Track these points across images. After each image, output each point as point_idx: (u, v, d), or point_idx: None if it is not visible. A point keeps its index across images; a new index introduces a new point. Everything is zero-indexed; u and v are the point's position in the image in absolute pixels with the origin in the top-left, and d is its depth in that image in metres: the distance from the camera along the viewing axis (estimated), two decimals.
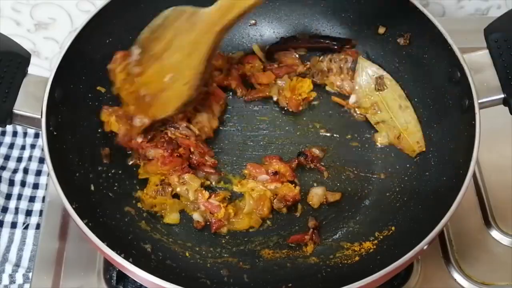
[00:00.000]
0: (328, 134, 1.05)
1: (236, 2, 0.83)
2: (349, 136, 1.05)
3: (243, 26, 1.13)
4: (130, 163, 1.00)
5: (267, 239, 0.95)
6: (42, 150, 0.98)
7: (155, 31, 0.91)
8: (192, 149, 0.98)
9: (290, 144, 1.04)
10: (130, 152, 1.00)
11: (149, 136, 0.97)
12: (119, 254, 0.77)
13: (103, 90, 0.99)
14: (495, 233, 1.05)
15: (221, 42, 0.91)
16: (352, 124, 1.06)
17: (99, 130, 0.98)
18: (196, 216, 0.96)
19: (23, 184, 1.21)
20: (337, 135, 1.05)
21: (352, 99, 1.07)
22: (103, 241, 0.78)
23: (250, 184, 0.97)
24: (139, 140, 0.96)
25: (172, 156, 0.95)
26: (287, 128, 1.06)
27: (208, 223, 0.96)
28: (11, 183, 1.22)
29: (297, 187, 0.97)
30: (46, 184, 1.19)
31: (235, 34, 1.13)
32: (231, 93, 1.09)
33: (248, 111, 1.08)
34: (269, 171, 0.98)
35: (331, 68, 1.08)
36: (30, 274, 1.03)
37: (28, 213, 1.18)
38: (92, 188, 0.92)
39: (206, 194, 0.96)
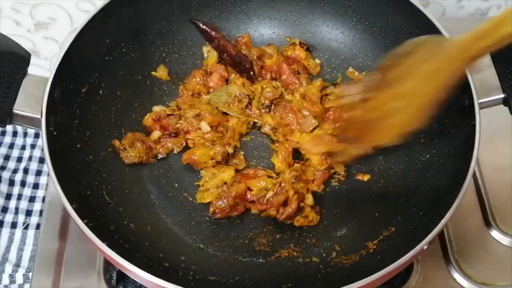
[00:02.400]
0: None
1: (492, 30, 0.75)
2: None
3: (242, 27, 1.14)
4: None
5: (268, 238, 0.95)
6: (42, 150, 0.99)
7: (397, 58, 0.84)
8: None
9: None
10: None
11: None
12: (119, 254, 0.77)
13: None
14: (495, 233, 1.05)
15: (463, 73, 0.83)
16: None
17: None
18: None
19: (23, 184, 1.21)
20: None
21: None
22: (103, 241, 0.78)
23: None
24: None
25: None
26: None
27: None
28: (11, 183, 1.22)
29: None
30: (46, 184, 1.19)
31: (234, 34, 1.14)
32: None
33: None
34: None
35: None
36: (30, 274, 1.03)
37: (28, 213, 1.18)
38: (93, 188, 0.93)
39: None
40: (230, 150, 1.01)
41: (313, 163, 1.01)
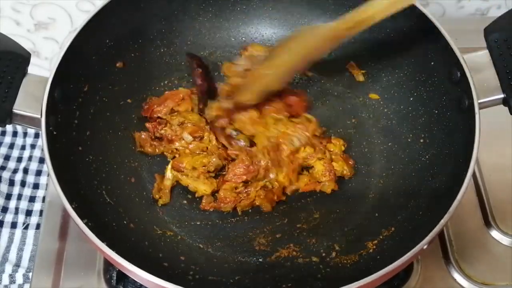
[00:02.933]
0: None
1: (352, 17, 0.92)
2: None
3: (242, 26, 1.14)
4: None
5: (268, 238, 0.95)
6: (42, 150, 0.99)
7: (282, 41, 1.02)
8: None
9: None
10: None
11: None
12: (119, 254, 0.77)
13: None
14: (495, 233, 1.05)
15: (326, 50, 1.01)
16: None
17: None
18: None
19: (23, 184, 1.22)
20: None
21: None
22: (103, 241, 0.78)
23: None
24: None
25: None
26: None
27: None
28: (11, 183, 1.22)
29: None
30: (46, 184, 1.19)
31: (234, 34, 1.14)
32: None
33: None
34: None
35: None
36: (30, 274, 1.03)
37: (28, 213, 1.18)
38: (93, 187, 0.93)
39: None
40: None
41: (316, 171, 1.00)
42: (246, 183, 0.98)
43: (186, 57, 1.11)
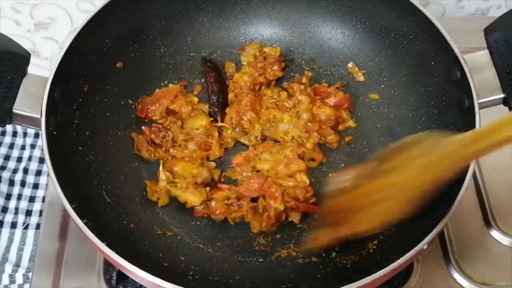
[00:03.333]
0: None
1: (491, 133, 0.73)
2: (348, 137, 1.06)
3: (242, 26, 1.14)
4: None
5: (268, 238, 0.95)
6: (42, 150, 0.98)
7: (395, 150, 0.82)
8: None
9: None
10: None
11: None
12: (119, 254, 0.77)
13: None
14: (495, 233, 1.05)
15: (457, 171, 0.79)
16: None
17: None
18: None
19: (23, 184, 1.21)
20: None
21: None
22: (103, 241, 0.78)
23: None
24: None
25: None
26: None
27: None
28: (11, 183, 1.22)
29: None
30: (46, 184, 1.19)
31: (234, 34, 1.14)
32: None
33: None
34: None
35: None
36: (30, 274, 1.03)
37: (28, 213, 1.18)
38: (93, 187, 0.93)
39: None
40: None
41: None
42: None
43: (201, 62, 1.11)
